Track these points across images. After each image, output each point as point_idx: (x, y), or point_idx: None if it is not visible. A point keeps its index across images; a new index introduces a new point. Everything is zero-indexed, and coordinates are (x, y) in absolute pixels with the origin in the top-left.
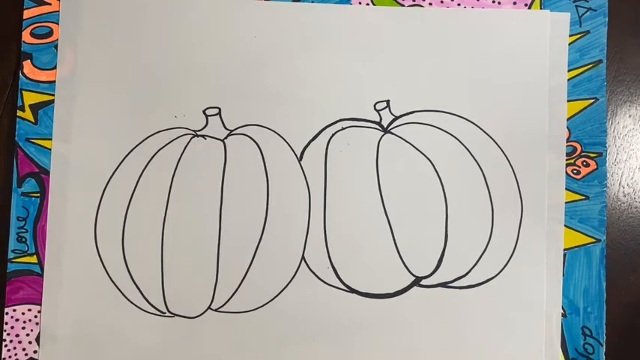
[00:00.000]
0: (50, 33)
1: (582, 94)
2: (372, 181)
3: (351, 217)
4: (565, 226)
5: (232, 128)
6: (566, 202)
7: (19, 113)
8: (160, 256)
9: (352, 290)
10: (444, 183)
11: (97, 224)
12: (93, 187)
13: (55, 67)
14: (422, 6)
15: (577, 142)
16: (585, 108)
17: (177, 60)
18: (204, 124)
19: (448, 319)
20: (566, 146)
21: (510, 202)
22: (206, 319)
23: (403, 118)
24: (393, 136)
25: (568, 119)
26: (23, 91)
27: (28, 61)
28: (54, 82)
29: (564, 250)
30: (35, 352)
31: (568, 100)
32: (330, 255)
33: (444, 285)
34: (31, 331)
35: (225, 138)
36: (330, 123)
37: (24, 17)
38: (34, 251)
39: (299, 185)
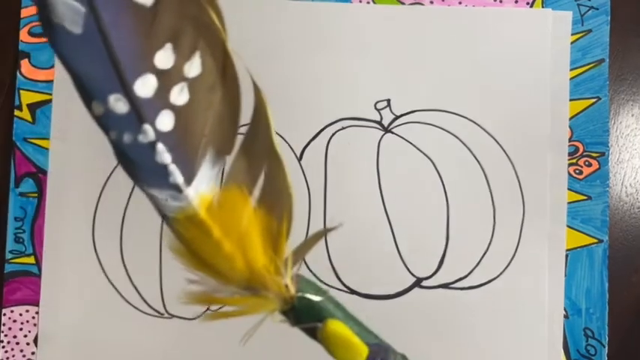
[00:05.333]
0: None
1: (584, 94)
2: (373, 181)
3: (351, 217)
4: (567, 226)
5: None
6: (568, 203)
7: (17, 113)
8: (158, 256)
9: (352, 291)
10: (446, 183)
11: (95, 224)
12: (91, 186)
13: (52, 66)
14: (423, 4)
15: (579, 141)
16: (587, 107)
17: None
18: None
19: (449, 320)
20: (569, 146)
21: (512, 202)
22: (205, 320)
23: (404, 117)
24: (394, 135)
25: (570, 119)
26: (21, 91)
27: (26, 60)
28: (52, 81)
29: (566, 250)
30: (33, 353)
31: (570, 100)
32: (330, 255)
33: (446, 286)
34: (29, 332)
35: None
36: (330, 122)
37: (21, 16)
38: (31, 252)
39: (299, 185)
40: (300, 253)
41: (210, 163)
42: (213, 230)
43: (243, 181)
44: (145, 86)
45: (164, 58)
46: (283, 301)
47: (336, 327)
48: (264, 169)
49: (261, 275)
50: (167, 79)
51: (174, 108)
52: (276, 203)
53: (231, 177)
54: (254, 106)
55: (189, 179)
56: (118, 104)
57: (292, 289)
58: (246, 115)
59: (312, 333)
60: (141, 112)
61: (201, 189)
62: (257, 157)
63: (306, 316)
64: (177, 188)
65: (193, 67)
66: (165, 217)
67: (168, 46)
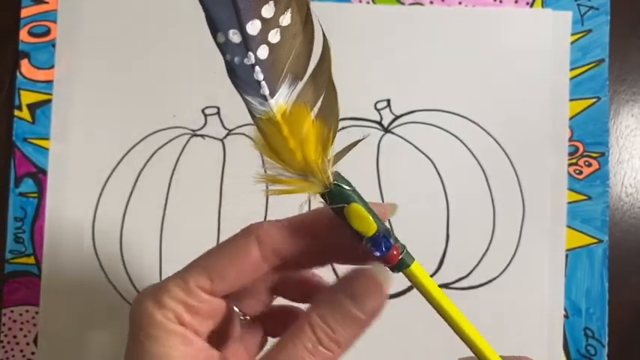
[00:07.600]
0: (48, 32)
1: (584, 94)
2: (373, 181)
3: None
4: (567, 226)
5: (231, 128)
6: (568, 203)
7: (17, 113)
8: (158, 256)
9: None
10: (446, 183)
11: (95, 225)
12: (91, 187)
13: (52, 67)
14: (422, 4)
15: (579, 141)
16: (587, 107)
17: (175, 59)
18: (203, 123)
19: None
20: (568, 146)
21: (512, 202)
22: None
23: (404, 117)
24: (394, 135)
25: (570, 119)
26: (21, 91)
27: (26, 60)
28: (51, 81)
29: (566, 250)
30: (33, 353)
31: (570, 100)
32: None
33: (446, 286)
34: (29, 332)
35: (224, 137)
36: None
37: (21, 16)
38: (31, 252)
39: None
40: (339, 156)
41: (288, 84)
42: (284, 130)
43: (308, 100)
44: (253, 27)
45: (267, 11)
46: (324, 187)
47: (358, 207)
48: (323, 94)
49: (312, 166)
50: (267, 24)
51: (269, 44)
52: (327, 118)
53: (300, 96)
54: (322, 49)
55: (272, 93)
56: (234, 36)
57: (331, 179)
58: (316, 55)
59: (340, 212)
60: (248, 44)
61: (280, 101)
62: (319, 85)
63: (337, 198)
64: (264, 97)
65: (285, 19)
66: (254, 117)
67: (271, 3)
